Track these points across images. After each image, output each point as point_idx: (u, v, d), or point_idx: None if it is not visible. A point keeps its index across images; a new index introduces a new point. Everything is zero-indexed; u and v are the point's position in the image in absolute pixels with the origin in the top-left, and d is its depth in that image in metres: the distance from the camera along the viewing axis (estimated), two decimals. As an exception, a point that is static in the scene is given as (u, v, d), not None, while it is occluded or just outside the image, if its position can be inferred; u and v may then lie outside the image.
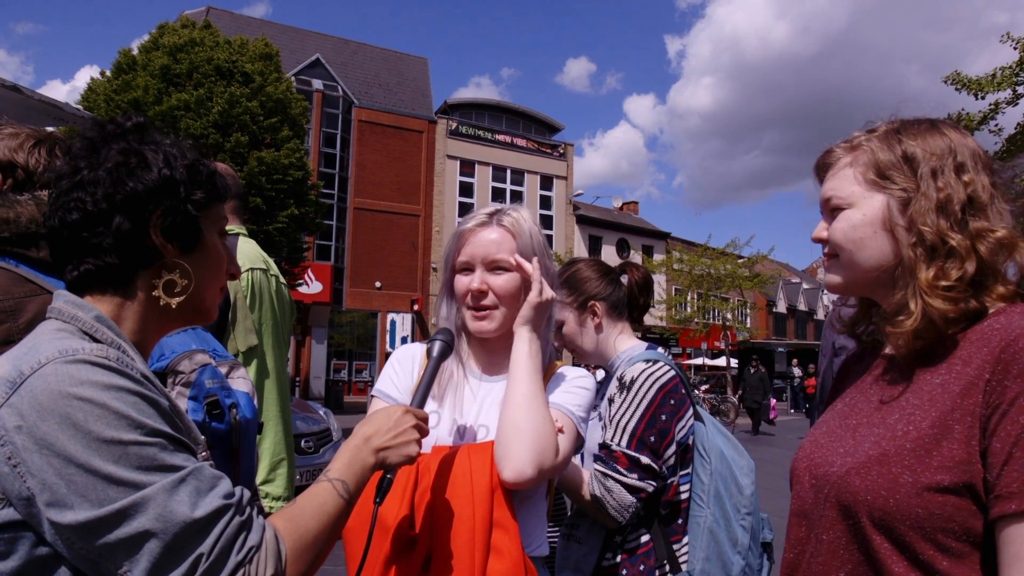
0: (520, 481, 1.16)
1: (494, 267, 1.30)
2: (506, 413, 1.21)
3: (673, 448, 1.60)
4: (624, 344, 1.78)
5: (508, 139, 31.16)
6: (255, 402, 1.53)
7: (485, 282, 1.29)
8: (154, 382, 0.86)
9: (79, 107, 10.87)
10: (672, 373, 1.62)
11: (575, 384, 1.34)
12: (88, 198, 0.88)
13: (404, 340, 26.89)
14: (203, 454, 0.91)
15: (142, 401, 0.79)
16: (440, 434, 1.30)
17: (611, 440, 1.57)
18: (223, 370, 1.50)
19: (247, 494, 0.84)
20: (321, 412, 7.19)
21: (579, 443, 1.31)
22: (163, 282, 0.92)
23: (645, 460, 1.54)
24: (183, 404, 1.40)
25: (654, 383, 1.59)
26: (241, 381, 1.54)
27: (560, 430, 1.24)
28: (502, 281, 1.30)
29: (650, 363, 1.62)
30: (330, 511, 0.91)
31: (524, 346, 1.27)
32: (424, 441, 1.25)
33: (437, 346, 1.23)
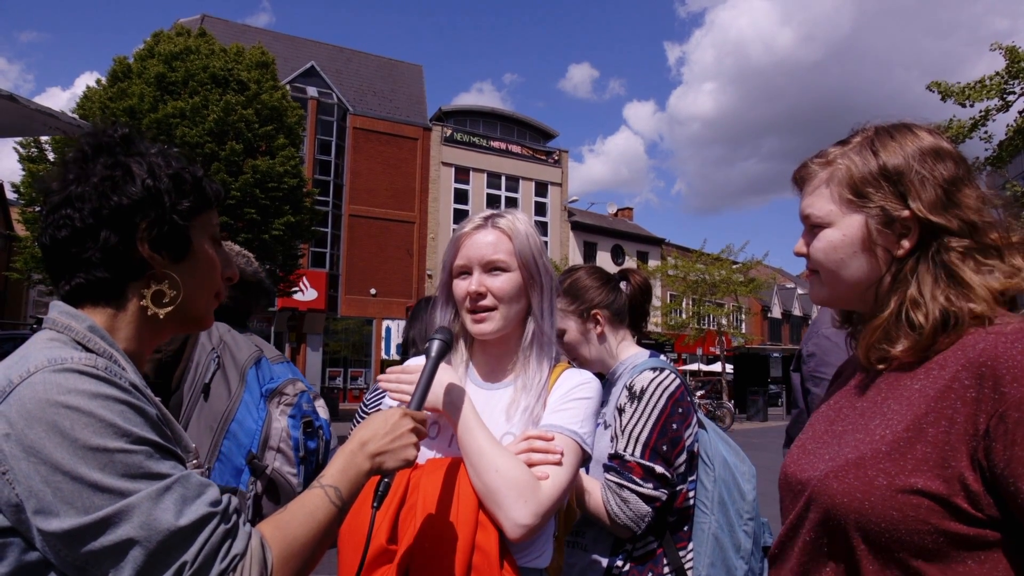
0: (529, 534, 1.15)
1: (491, 268, 1.30)
2: (473, 480, 1.20)
3: (684, 456, 1.61)
4: (626, 352, 1.78)
5: (503, 146, 31.23)
6: (330, 428, 1.85)
7: (483, 284, 1.29)
8: (144, 392, 0.86)
9: (75, 115, 10.85)
10: (678, 381, 1.63)
11: (571, 398, 1.30)
12: (76, 215, 0.88)
13: (399, 347, 26.77)
14: (193, 462, 0.91)
15: (129, 409, 0.79)
16: (440, 444, 1.30)
17: (623, 450, 1.57)
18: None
19: (234, 502, 0.84)
20: (318, 420, 7.14)
21: (585, 459, 1.29)
22: (151, 293, 0.93)
23: (659, 469, 1.54)
24: (283, 421, 1.65)
25: (663, 392, 1.59)
26: (322, 410, 1.81)
27: (558, 460, 1.22)
28: (500, 282, 1.29)
29: (657, 371, 1.63)
30: (320, 518, 0.90)
31: (461, 426, 1.24)
32: (423, 452, 1.25)
33: (435, 346, 1.22)
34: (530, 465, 1.20)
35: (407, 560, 1.13)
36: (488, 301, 1.30)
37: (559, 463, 1.21)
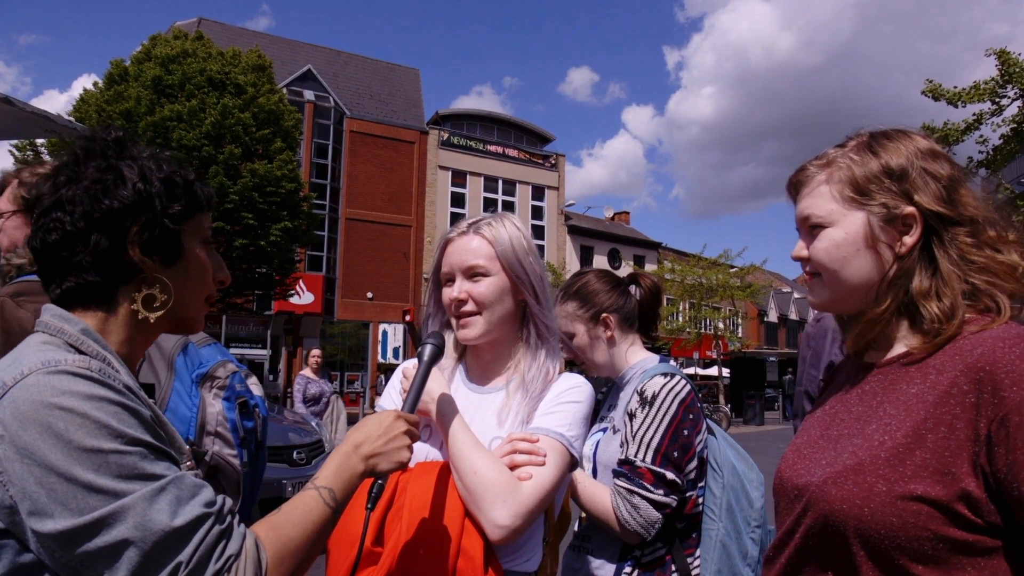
0: (510, 536, 1.15)
1: (472, 274, 1.30)
2: (456, 483, 1.20)
3: (695, 462, 1.60)
4: (635, 356, 1.77)
5: (500, 150, 31.29)
6: (265, 405, 1.87)
7: (464, 290, 1.30)
8: (138, 393, 0.86)
9: (71, 119, 10.83)
10: (689, 387, 1.62)
11: (562, 400, 1.30)
12: (67, 218, 0.88)
13: (396, 351, 26.79)
14: (187, 463, 0.91)
15: (123, 411, 0.79)
16: (432, 448, 1.30)
17: (634, 456, 1.56)
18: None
19: (228, 502, 0.84)
20: (313, 423, 7.13)
21: (572, 463, 1.28)
22: (142, 297, 0.93)
23: (670, 476, 1.53)
24: (218, 405, 1.69)
25: (675, 398, 1.59)
26: (255, 387, 1.80)
27: (541, 462, 1.21)
28: (481, 288, 1.30)
29: (668, 377, 1.62)
30: (315, 519, 0.90)
31: (445, 429, 1.25)
32: (417, 454, 1.25)
33: (427, 350, 1.23)
34: (513, 467, 1.20)
35: (391, 562, 1.13)
36: (470, 307, 1.30)
37: (542, 464, 1.21)
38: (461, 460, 1.20)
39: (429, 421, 1.31)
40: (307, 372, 8.89)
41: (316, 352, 9.17)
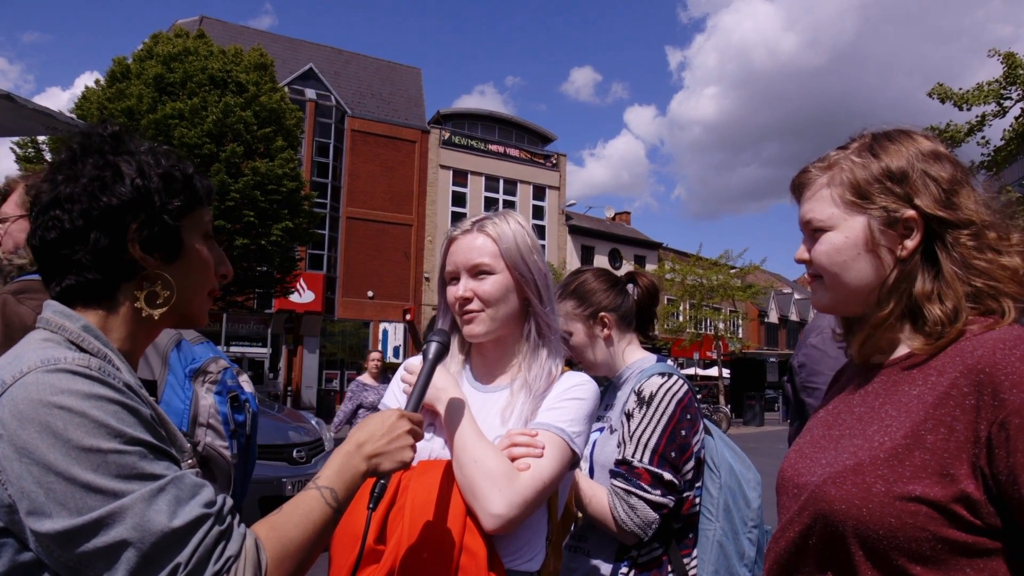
0: (505, 525, 1.14)
1: (477, 272, 1.31)
2: (456, 475, 1.20)
3: (692, 463, 1.60)
4: (633, 356, 1.77)
5: (501, 149, 31.30)
6: (256, 400, 1.95)
7: (469, 288, 1.30)
8: (138, 391, 0.86)
9: (73, 116, 10.84)
10: (687, 387, 1.62)
11: (565, 397, 1.30)
12: (65, 216, 0.87)
13: (396, 350, 26.80)
14: (188, 462, 0.91)
15: (123, 410, 0.79)
16: (434, 447, 1.30)
17: (632, 456, 1.56)
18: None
19: (229, 502, 0.83)
20: (313, 422, 7.11)
21: (573, 459, 1.27)
22: (144, 294, 0.92)
23: (668, 476, 1.53)
24: (210, 398, 1.74)
25: (672, 398, 1.58)
26: (246, 384, 1.87)
27: (539, 454, 1.21)
28: (486, 286, 1.30)
29: (666, 377, 1.61)
30: (316, 519, 0.89)
31: (450, 424, 1.25)
32: (419, 453, 1.24)
33: (433, 348, 1.23)
34: (512, 460, 1.20)
35: (395, 560, 1.13)
36: (475, 305, 1.30)
37: (540, 457, 1.20)
38: (463, 450, 1.20)
39: (433, 418, 1.31)
40: (365, 378, 7.25)
41: (375, 355, 7.50)
